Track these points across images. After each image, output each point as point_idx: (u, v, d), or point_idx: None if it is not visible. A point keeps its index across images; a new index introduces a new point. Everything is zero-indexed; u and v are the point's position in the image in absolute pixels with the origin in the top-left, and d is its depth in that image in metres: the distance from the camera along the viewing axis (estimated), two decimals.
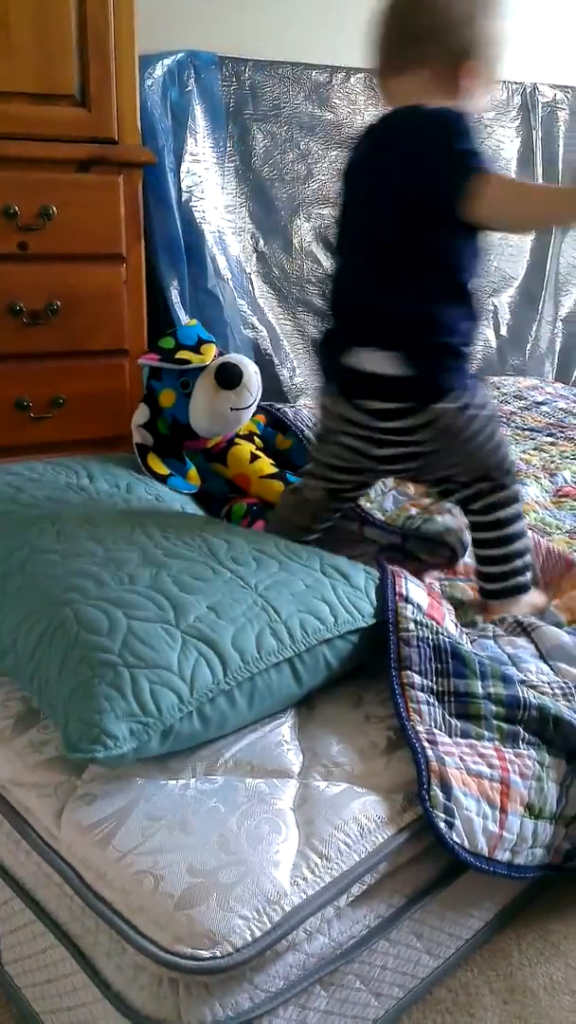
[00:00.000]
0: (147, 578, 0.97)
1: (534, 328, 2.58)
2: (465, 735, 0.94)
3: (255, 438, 1.59)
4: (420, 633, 0.99)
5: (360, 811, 0.83)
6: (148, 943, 0.69)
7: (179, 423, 1.47)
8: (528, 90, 2.43)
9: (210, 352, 1.46)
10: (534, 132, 2.50)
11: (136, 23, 1.53)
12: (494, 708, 0.97)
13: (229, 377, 1.42)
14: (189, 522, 1.16)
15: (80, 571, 0.98)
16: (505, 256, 2.53)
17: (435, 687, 0.97)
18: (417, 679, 0.96)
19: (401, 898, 0.85)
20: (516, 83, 2.41)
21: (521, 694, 0.98)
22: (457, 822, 0.86)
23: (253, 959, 0.69)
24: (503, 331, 2.55)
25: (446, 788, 0.87)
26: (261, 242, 2.07)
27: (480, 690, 0.97)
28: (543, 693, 1.03)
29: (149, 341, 1.70)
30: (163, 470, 1.45)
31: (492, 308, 2.54)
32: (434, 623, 1.03)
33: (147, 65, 1.77)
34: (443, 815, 0.85)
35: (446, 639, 1.01)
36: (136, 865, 0.74)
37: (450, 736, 0.94)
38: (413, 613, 1.02)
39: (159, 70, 1.81)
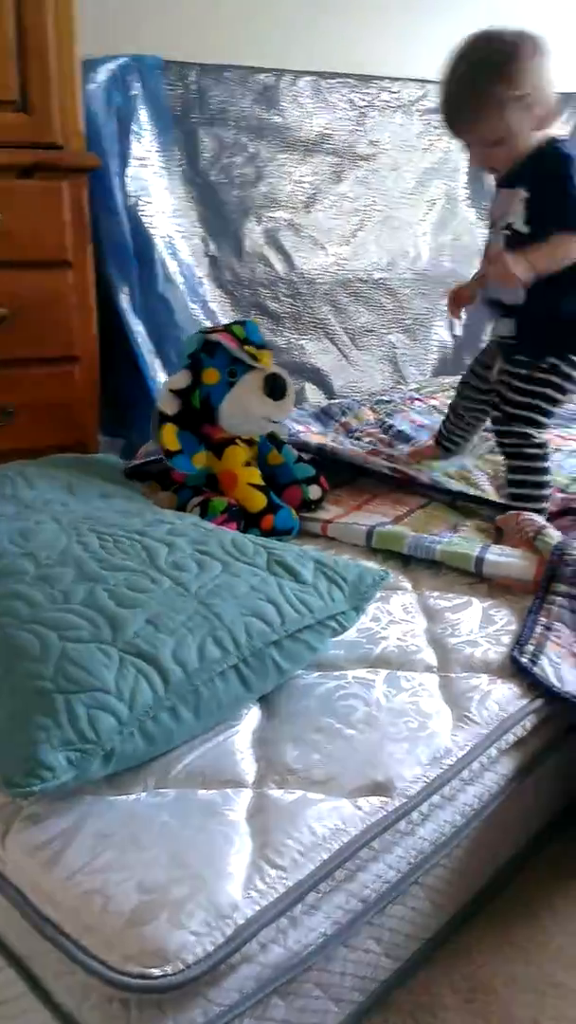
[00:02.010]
0: (82, 594, 0.94)
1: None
2: None
3: (254, 446, 1.58)
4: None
5: (315, 818, 0.82)
6: (96, 963, 0.68)
7: (210, 404, 1.47)
8: None
9: (268, 358, 1.50)
10: None
11: (78, 27, 1.51)
12: None
13: (278, 388, 1.44)
14: (130, 523, 1.14)
15: (12, 593, 0.95)
16: (458, 257, 2.55)
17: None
18: (563, 588, 1.20)
19: (358, 903, 0.85)
20: None
21: None
22: (543, 663, 1.07)
23: (206, 975, 0.69)
24: (458, 331, 2.57)
25: (539, 649, 1.10)
26: (211, 246, 2.06)
27: None
28: None
29: (101, 348, 1.68)
30: (174, 445, 1.44)
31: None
32: None
33: (90, 69, 1.75)
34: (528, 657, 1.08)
35: None
36: (84, 885, 0.73)
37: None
38: None
39: (103, 74, 1.79)
